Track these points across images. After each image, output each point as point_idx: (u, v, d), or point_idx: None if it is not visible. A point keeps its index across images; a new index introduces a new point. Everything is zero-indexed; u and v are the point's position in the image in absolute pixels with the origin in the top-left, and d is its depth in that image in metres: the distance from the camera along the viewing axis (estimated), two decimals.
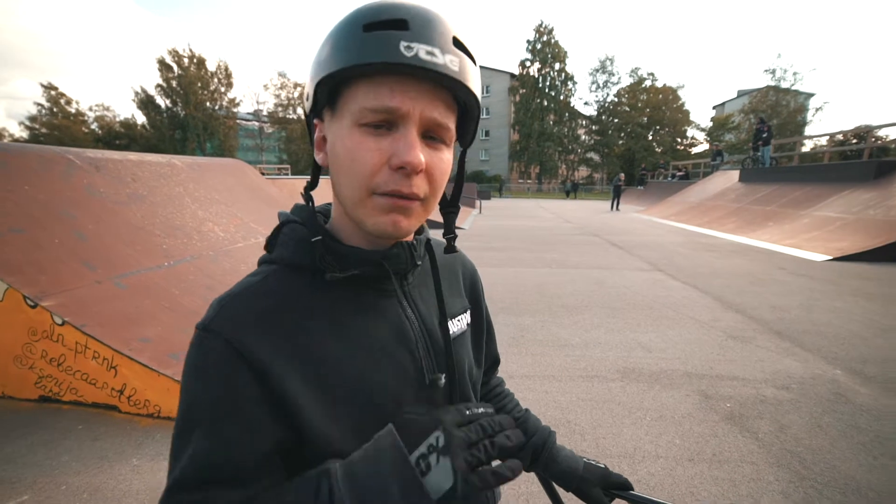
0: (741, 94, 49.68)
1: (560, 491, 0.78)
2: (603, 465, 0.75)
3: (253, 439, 0.45)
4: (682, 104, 47.25)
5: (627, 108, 47.27)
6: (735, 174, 15.21)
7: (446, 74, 0.44)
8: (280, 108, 50.11)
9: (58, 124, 42.81)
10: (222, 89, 46.88)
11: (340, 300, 0.53)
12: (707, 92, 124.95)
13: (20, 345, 2.37)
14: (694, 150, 47.72)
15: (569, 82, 47.94)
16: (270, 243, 0.56)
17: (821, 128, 50.07)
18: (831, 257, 7.14)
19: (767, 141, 14.77)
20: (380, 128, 0.46)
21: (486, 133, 51.17)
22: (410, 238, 0.57)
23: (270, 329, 0.48)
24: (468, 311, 0.69)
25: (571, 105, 48.81)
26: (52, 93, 43.97)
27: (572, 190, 37.59)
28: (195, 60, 44.77)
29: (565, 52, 47.24)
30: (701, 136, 48.35)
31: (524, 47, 48.03)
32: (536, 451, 0.75)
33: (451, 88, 0.47)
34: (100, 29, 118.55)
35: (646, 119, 46.80)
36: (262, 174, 7.77)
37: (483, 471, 0.41)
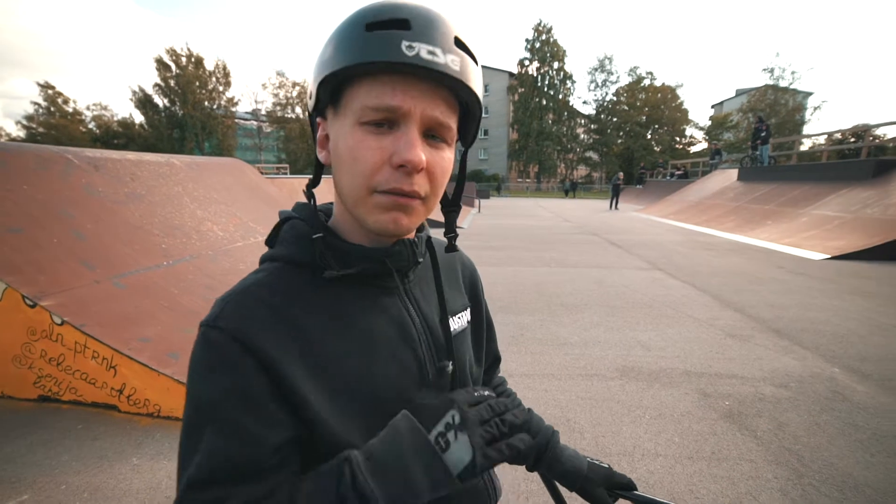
0: (740, 92, 49.74)
1: (563, 491, 0.77)
2: (607, 465, 0.74)
3: (266, 432, 0.45)
4: (681, 103, 47.34)
5: (626, 107, 47.31)
6: (733, 173, 15.24)
7: (447, 74, 0.45)
8: (278, 108, 49.96)
9: (55, 123, 42.67)
10: (220, 88, 46.75)
11: (343, 297, 0.53)
12: (706, 91, 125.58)
13: (19, 344, 2.37)
14: (693, 149, 47.83)
15: (567, 81, 47.97)
16: (271, 240, 0.56)
17: (819, 127, 50.15)
18: (829, 256, 7.16)
19: (766, 140, 14.80)
20: (381, 126, 0.46)
21: (485, 132, 51.11)
22: (412, 236, 0.58)
23: (275, 324, 0.48)
24: (468, 309, 0.69)
25: (570, 104, 48.85)
26: (49, 92, 43.86)
27: (571, 189, 37.61)
28: (193, 60, 44.66)
29: (564, 51, 47.26)
30: (699, 134, 48.55)
31: (523, 46, 48.06)
32: (540, 451, 0.74)
33: (452, 88, 0.47)
34: (98, 28, 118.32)
35: (644, 118, 46.85)
36: (262, 173, 7.76)
37: (498, 444, 0.45)
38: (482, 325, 0.74)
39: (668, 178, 24.88)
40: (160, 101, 44.95)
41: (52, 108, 44.12)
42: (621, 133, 47.58)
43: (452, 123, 0.50)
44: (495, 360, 0.84)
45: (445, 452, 0.43)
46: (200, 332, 0.47)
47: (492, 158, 51.84)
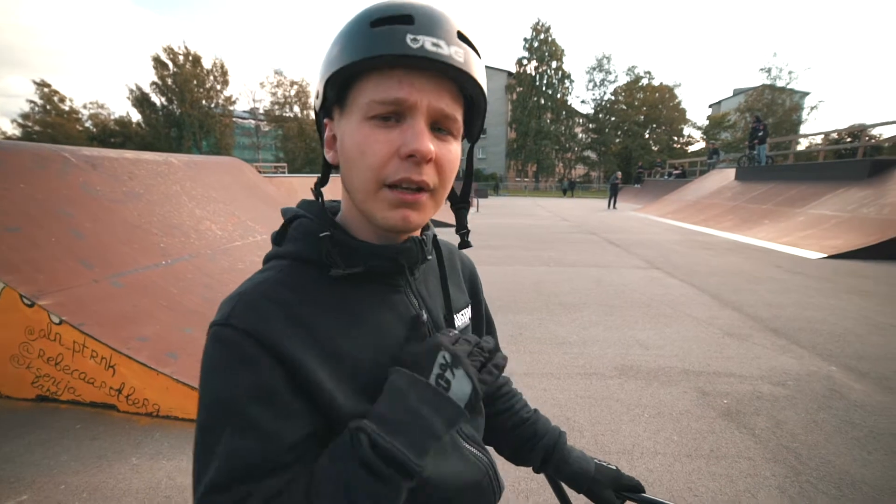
0: (737, 92, 49.93)
1: (569, 492, 0.77)
2: (615, 467, 0.74)
3: (285, 426, 0.44)
4: (679, 102, 47.33)
5: (624, 107, 47.32)
6: (731, 172, 15.28)
7: (451, 65, 0.45)
8: (276, 107, 49.81)
9: (51, 122, 42.38)
10: (218, 87, 46.53)
11: (351, 294, 0.53)
12: (703, 90, 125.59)
13: (17, 344, 2.36)
14: (690, 149, 47.85)
15: (566, 80, 47.91)
16: (279, 238, 0.56)
17: (816, 126, 50.12)
18: (826, 255, 7.19)
19: (763, 139, 14.85)
20: (388, 120, 0.47)
21: (484, 131, 50.27)
22: (419, 233, 0.58)
23: (286, 320, 0.47)
24: (469, 307, 0.70)
25: (568, 103, 48.81)
26: (45, 90, 43.60)
27: (569, 188, 37.63)
28: (191, 58, 44.46)
29: (562, 51, 47.20)
30: (697, 134, 48.56)
31: (521, 45, 48.05)
32: (547, 452, 0.73)
33: (456, 80, 0.48)
34: (95, 27, 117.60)
35: (642, 117, 46.85)
36: (260, 172, 7.74)
37: (487, 367, 0.50)
38: (482, 323, 0.74)
39: (665, 177, 24.95)
40: (157, 99, 44.75)
41: (48, 107, 43.86)
42: (619, 132, 47.58)
43: (458, 116, 0.50)
44: None
45: (449, 391, 0.47)
46: (211, 332, 0.47)
47: (490, 158, 51.80)
